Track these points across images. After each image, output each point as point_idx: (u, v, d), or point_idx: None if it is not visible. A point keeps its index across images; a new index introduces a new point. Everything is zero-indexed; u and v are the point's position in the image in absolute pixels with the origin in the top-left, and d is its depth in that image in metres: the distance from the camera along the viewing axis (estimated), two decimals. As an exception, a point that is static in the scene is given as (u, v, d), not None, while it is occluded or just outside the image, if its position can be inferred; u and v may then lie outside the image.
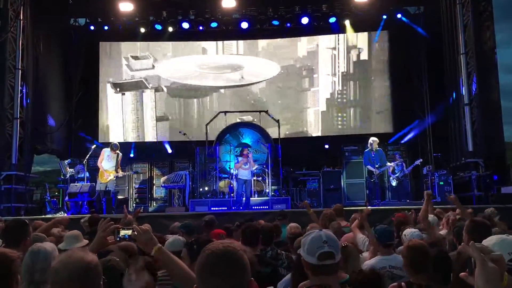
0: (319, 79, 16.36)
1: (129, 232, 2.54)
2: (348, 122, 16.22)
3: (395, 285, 3.10)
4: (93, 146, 12.77)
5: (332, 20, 15.62)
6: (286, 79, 16.46)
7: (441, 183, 12.45)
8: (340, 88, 16.28)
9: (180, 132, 14.08)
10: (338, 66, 16.32)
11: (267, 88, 16.52)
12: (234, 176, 12.47)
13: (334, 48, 16.38)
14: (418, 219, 5.24)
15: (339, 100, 16.27)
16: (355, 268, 2.87)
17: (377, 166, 11.71)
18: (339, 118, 16.26)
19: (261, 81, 16.48)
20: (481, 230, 3.44)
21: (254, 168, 12.36)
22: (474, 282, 1.54)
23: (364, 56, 16.28)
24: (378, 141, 12.14)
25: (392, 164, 12.21)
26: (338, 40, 16.35)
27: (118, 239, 2.62)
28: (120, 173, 11.79)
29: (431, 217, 4.84)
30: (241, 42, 16.64)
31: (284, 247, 4.99)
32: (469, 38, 12.64)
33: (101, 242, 2.66)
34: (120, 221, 5.06)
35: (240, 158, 12.01)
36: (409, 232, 4.23)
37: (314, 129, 16.27)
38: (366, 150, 12.22)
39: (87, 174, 12.31)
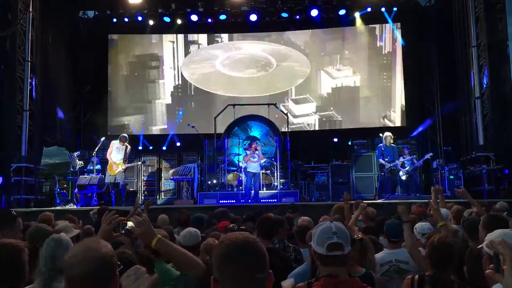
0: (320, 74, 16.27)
1: (130, 223, 2.49)
2: (358, 115, 16.09)
3: (409, 278, 3.10)
4: (102, 139, 12.81)
5: (342, 12, 15.50)
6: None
7: (451, 177, 12.35)
8: (352, 83, 16.17)
9: (189, 125, 14.07)
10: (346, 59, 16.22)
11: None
12: (242, 169, 12.45)
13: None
14: (429, 213, 5.17)
15: (352, 95, 16.16)
16: (371, 262, 2.84)
17: (387, 160, 11.62)
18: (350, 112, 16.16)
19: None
20: (499, 224, 3.37)
21: (262, 161, 12.33)
22: (501, 279, 1.51)
23: (374, 48, 16.12)
24: (392, 136, 12.02)
25: (401, 160, 12.11)
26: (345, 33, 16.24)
27: (124, 231, 2.58)
28: (125, 165, 11.73)
29: (443, 210, 4.77)
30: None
31: (294, 239, 4.98)
32: (481, 30, 12.49)
33: (105, 235, 2.56)
34: (129, 213, 5.05)
35: (248, 151, 11.99)
36: (419, 225, 4.18)
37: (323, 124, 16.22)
38: (379, 145, 12.13)
39: (98, 167, 12.34)
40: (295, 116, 16.14)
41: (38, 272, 2.71)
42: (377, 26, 16.07)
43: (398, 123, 15.60)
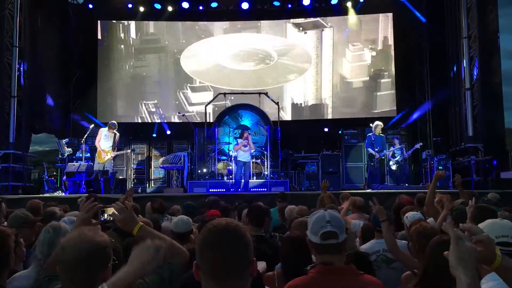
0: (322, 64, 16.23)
1: (112, 210, 2.42)
2: (351, 105, 16.09)
3: (408, 273, 3.06)
4: (91, 126, 12.70)
5: (334, 1, 15.44)
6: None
7: (440, 167, 12.40)
8: (344, 72, 16.15)
9: (179, 113, 13.99)
10: (339, 49, 16.17)
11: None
12: (233, 158, 12.42)
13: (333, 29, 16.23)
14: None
15: (342, 83, 16.15)
16: (352, 249, 2.86)
17: (377, 149, 11.58)
18: (341, 102, 16.15)
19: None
20: (487, 216, 3.38)
21: (253, 151, 12.31)
22: (451, 231, 1.57)
23: (365, 38, 16.10)
24: (382, 125, 11.97)
25: (391, 149, 12.14)
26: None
27: (103, 220, 2.52)
28: (114, 153, 11.65)
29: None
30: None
31: (283, 229, 4.98)
32: (472, 21, 12.51)
33: (84, 223, 2.51)
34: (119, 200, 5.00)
35: (240, 140, 11.94)
36: (411, 215, 4.18)
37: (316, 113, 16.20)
38: (368, 134, 12.10)
39: (87, 154, 12.26)
40: (190, 104, 16.09)
41: (33, 258, 2.71)
42: (368, 15, 16.03)
43: (388, 113, 15.62)
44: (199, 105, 15.76)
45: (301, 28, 16.22)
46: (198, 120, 15.36)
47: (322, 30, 16.17)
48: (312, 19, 16.16)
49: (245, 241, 1.52)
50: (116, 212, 2.32)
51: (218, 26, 16.61)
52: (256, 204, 4.49)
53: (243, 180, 11.73)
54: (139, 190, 13.43)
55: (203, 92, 16.06)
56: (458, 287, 1.47)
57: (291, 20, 16.24)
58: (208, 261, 1.48)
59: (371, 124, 12.24)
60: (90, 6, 15.92)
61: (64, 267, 1.84)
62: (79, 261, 1.79)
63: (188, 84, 16.19)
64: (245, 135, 11.92)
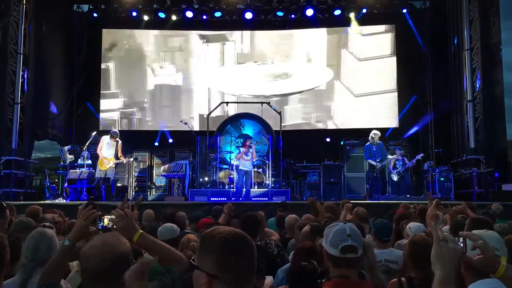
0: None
1: (112, 217, 2.40)
2: (352, 115, 16.10)
3: (394, 281, 3.04)
4: (94, 133, 12.73)
5: (337, 12, 15.51)
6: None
7: (442, 179, 12.41)
8: (347, 83, 16.18)
9: (181, 121, 14.02)
10: (342, 58, 16.23)
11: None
12: (234, 167, 12.43)
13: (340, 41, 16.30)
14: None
15: (345, 94, 16.17)
16: (371, 261, 2.82)
17: (378, 160, 11.56)
18: (343, 112, 16.16)
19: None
20: (482, 227, 3.37)
21: (255, 160, 12.31)
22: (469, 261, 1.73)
23: (368, 49, 16.14)
24: (380, 134, 11.95)
25: (393, 156, 12.12)
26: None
27: (100, 227, 2.50)
28: (123, 160, 11.76)
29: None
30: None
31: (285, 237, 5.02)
32: (474, 33, 12.56)
33: (81, 231, 2.48)
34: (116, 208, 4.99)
35: (242, 149, 11.95)
36: (414, 225, 4.17)
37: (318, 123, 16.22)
38: (367, 144, 12.05)
39: (89, 161, 12.27)
40: (102, 111, 16.18)
41: (19, 264, 2.71)
42: (371, 27, 16.09)
43: (390, 124, 15.62)
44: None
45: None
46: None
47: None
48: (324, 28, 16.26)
49: (254, 246, 1.56)
50: (116, 219, 2.31)
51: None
52: (248, 213, 4.52)
53: (244, 189, 11.72)
54: (142, 199, 13.39)
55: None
56: (434, 282, 1.59)
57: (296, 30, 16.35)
58: (233, 268, 1.46)
59: (369, 138, 12.17)
60: (95, 14, 16.04)
61: (86, 276, 1.84)
62: (102, 270, 1.79)
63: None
64: (247, 143, 11.93)
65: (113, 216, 2.35)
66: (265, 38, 16.59)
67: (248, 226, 4.06)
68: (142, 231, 2.32)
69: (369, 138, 11.87)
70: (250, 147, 11.87)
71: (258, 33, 16.53)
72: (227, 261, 1.46)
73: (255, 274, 1.52)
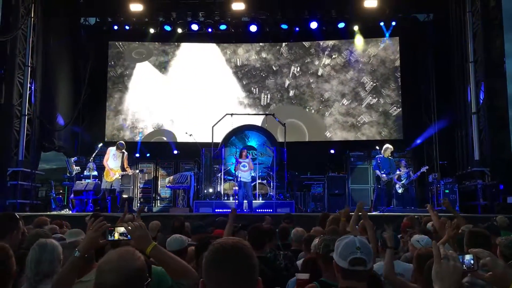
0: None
1: (122, 229, 2.40)
2: (357, 127, 16.14)
3: None
4: (100, 145, 12.83)
5: (341, 25, 15.60)
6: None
7: (447, 191, 12.41)
8: (350, 95, 16.25)
9: (186, 133, 14.10)
10: (348, 72, 16.31)
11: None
12: (238, 179, 12.45)
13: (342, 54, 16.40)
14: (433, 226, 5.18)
15: (350, 106, 16.23)
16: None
17: (383, 171, 11.56)
18: (348, 124, 16.21)
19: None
20: (479, 240, 3.41)
21: (251, 170, 12.16)
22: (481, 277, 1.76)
23: (373, 62, 16.22)
24: (392, 148, 11.89)
25: (401, 171, 12.09)
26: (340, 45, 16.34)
27: (110, 239, 2.48)
28: (130, 171, 11.82)
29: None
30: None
31: (290, 249, 5.02)
32: (478, 46, 12.61)
33: (91, 242, 2.51)
34: (118, 220, 5.02)
35: (240, 160, 11.96)
36: (420, 238, 4.17)
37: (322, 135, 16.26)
38: (376, 156, 12.06)
39: (95, 173, 12.35)
40: (108, 123, 16.38)
41: (25, 277, 2.74)
42: (375, 40, 16.19)
43: (395, 136, 15.65)
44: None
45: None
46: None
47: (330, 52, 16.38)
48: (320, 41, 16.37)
49: (251, 261, 1.52)
50: (130, 231, 2.32)
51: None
52: (256, 225, 4.51)
53: (246, 201, 11.70)
54: (145, 209, 13.46)
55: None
56: None
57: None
58: (213, 280, 1.49)
59: (377, 147, 12.19)
60: (102, 27, 16.23)
61: None
62: (118, 286, 1.75)
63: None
64: (244, 153, 11.95)
65: (129, 227, 2.36)
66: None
67: (254, 238, 4.08)
68: (155, 243, 2.33)
69: (382, 150, 11.87)
70: (247, 157, 11.88)
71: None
72: (210, 272, 1.51)
73: (245, 285, 1.51)
